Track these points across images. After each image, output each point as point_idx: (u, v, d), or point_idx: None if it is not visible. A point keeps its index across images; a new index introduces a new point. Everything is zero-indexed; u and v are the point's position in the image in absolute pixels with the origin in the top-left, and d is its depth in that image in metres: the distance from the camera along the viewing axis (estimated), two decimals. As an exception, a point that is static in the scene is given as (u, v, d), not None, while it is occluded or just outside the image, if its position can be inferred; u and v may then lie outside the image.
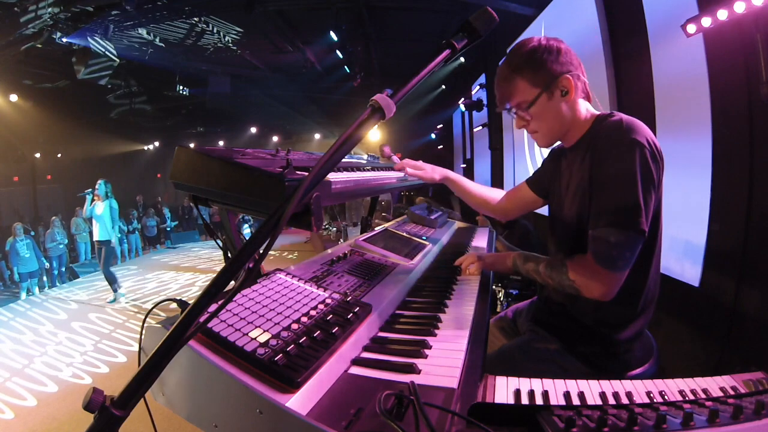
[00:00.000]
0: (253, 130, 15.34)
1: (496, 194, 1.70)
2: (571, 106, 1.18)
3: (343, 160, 1.18)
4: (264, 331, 0.81)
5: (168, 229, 12.39)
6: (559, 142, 1.32)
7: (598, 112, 1.21)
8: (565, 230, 1.25)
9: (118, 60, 7.18)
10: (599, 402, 0.78)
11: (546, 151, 1.50)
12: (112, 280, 6.22)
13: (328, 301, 0.99)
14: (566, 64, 1.15)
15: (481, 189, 1.71)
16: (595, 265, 1.07)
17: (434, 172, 1.66)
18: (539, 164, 1.53)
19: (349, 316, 0.93)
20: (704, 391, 0.79)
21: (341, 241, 7.29)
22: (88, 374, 4.01)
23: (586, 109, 1.21)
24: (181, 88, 9.37)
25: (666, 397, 0.78)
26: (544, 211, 1.49)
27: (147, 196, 13.63)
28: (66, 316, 5.89)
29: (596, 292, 1.09)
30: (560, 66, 1.15)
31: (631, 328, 1.18)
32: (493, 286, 3.13)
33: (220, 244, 1.21)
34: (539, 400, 0.79)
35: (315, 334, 0.83)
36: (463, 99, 7.55)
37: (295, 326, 0.85)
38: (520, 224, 3.72)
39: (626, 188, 1.03)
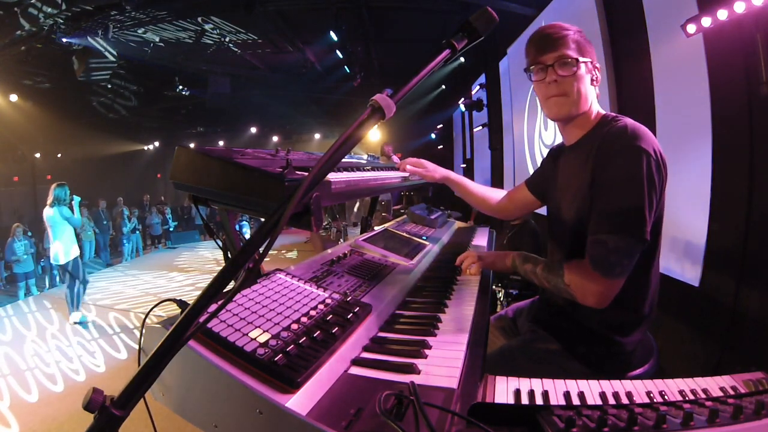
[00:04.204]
0: (253, 130, 15.33)
1: (496, 194, 1.70)
2: (592, 96, 1.20)
3: (343, 160, 1.18)
4: (264, 332, 0.81)
5: (170, 229, 12.41)
6: (557, 141, 1.32)
7: (604, 112, 1.21)
8: (564, 232, 1.25)
9: (117, 60, 7.18)
10: (599, 402, 0.78)
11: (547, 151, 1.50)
12: None
13: (328, 301, 0.99)
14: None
15: (482, 189, 1.71)
16: (592, 271, 1.06)
17: (435, 172, 1.66)
18: (539, 164, 1.53)
19: (348, 316, 0.93)
20: (704, 391, 0.79)
21: (341, 241, 7.29)
22: (87, 374, 4.01)
23: (596, 107, 1.22)
24: (181, 87, 9.37)
25: (666, 397, 0.78)
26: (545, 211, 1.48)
27: (149, 195, 13.65)
28: (62, 316, 5.88)
29: (590, 299, 1.07)
30: (596, 60, 1.19)
31: (636, 333, 1.18)
32: (493, 286, 3.13)
33: (220, 244, 1.21)
34: (539, 400, 0.79)
35: (315, 334, 0.83)
36: (463, 99, 7.56)
37: (294, 326, 0.84)
38: (529, 226, 3.71)
39: (630, 195, 1.02)
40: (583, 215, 1.13)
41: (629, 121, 1.12)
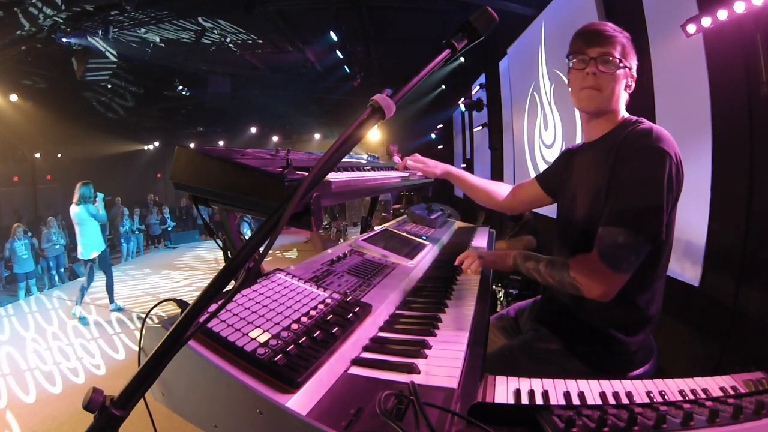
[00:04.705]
0: (253, 130, 15.33)
1: (500, 188, 1.70)
2: (623, 99, 1.22)
3: (343, 160, 1.18)
4: (264, 331, 0.81)
5: (169, 229, 12.42)
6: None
7: (627, 116, 1.23)
8: (574, 229, 1.25)
9: (117, 60, 7.18)
10: (599, 402, 0.78)
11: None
12: None
13: (328, 301, 0.99)
14: None
15: (484, 183, 1.71)
16: (600, 264, 1.06)
17: (436, 167, 1.66)
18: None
19: (349, 316, 0.93)
20: (704, 391, 0.79)
21: (341, 241, 7.29)
22: (86, 374, 4.01)
23: (624, 111, 1.24)
24: (181, 88, 9.37)
25: (666, 397, 0.78)
26: (546, 212, 1.48)
27: (153, 195, 13.65)
28: (63, 316, 5.89)
29: (596, 292, 1.08)
30: (635, 69, 1.22)
31: (641, 333, 1.18)
32: (493, 286, 3.13)
33: (220, 244, 1.21)
34: (539, 400, 0.79)
35: (315, 334, 0.83)
36: (463, 99, 7.56)
37: (295, 326, 0.84)
38: (530, 226, 3.72)
39: (649, 193, 1.04)
40: (596, 213, 1.14)
41: (652, 124, 1.14)
